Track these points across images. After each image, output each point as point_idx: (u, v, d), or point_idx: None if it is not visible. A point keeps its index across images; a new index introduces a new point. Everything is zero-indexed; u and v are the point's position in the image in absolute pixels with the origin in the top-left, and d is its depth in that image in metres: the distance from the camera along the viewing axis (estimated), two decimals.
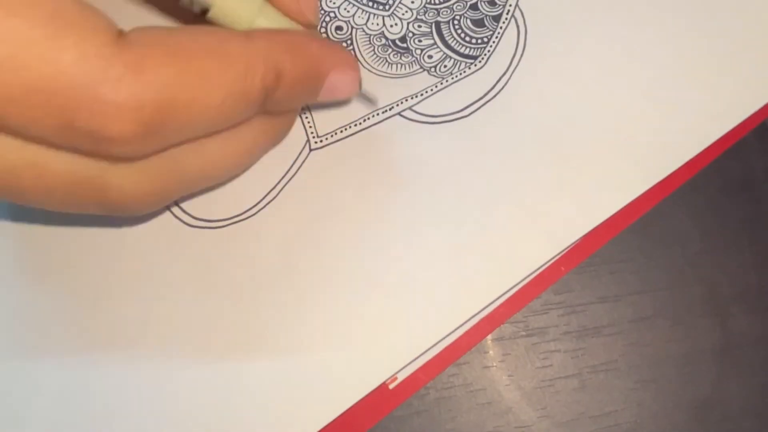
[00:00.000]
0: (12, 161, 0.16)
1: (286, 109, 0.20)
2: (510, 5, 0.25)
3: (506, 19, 0.24)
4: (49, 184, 0.17)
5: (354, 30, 0.25)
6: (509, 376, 0.25)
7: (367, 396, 0.22)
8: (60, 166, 0.17)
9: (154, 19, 0.24)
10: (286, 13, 0.20)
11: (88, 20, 0.15)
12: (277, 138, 0.21)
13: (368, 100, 0.24)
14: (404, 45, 0.24)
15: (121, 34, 0.15)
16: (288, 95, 0.19)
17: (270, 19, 0.19)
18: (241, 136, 0.20)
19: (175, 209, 0.24)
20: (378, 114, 0.24)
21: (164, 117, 0.16)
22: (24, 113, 0.15)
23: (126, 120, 0.15)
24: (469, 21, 0.25)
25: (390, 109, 0.24)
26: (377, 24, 0.25)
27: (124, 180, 0.18)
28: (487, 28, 0.24)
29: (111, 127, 0.15)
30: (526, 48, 0.24)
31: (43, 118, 0.15)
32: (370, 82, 0.24)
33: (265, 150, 0.21)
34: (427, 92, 0.24)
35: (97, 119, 0.15)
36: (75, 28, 0.14)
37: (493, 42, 0.24)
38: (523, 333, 0.25)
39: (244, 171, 0.23)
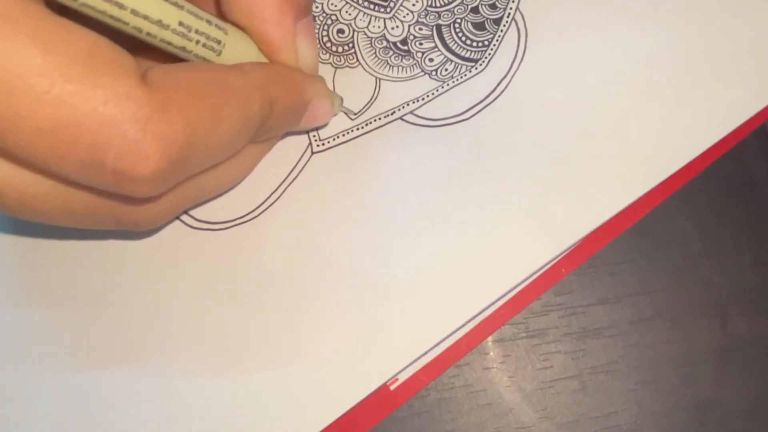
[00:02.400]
0: (39, 189, 0.17)
1: (274, 135, 0.22)
2: (510, 8, 0.25)
3: (507, 22, 0.25)
4: (72, 210, 0.18)
5: (355, 33, 0.25)
6: (510, 377, 0.25)
7: (368, 397, 0.22)
8: (82, 197, 0.17)
9: None
10: (266, 50, 0.21)
11: (120, 61, 0.15)
12: (265, 153, 0.24)
13: (351, 113, 0.24)
14: (405, 48, 0.25)
15: (143, 74, 0.16)
16: (278, 122, 0.20)
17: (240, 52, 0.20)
18: (242, 157, 0.21)
19: None
20: (380, 118, 0.24)
21: (187, 154, 0.16)
22: (52, 147, 0.15)
23: (152, 160, 0.15)
24: (470, 24, 0.25)
25: (392, 114, 0.24)
26: (378, 27, 0.25)
27: (141, 206, 0.19)
28: (488, 31, 0.25)
29: (138, 168, 0.15)
30: (527, 51, 0.24)
31: (70, 154, 0.15)
32: (371, 86, 0.24)
33: (258, 162, 0.24)
34: (428, 96, 0.24)
35: (126, 159, 0.15)
36: (109, 68, 0.15)
37: (494, 45, 0.24)
38: (524, 334, 0.26)
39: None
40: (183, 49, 0.18)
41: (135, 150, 0.15)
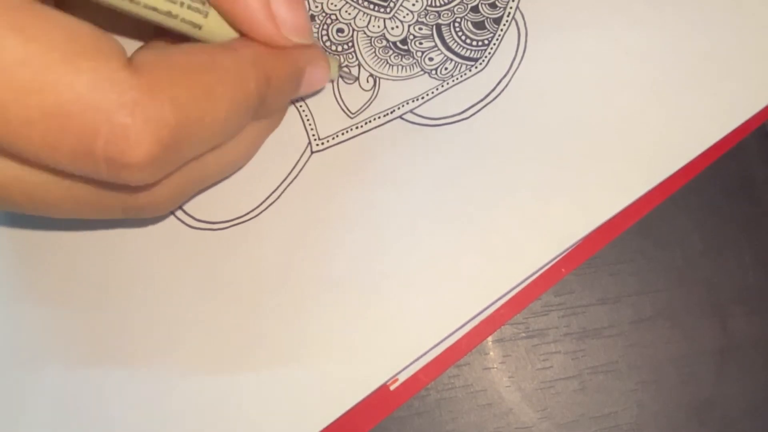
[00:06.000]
0: (41, 179, 0.17)
1: (276, 108, 0.21)
2: (510, 8, 0.25)
3: (507, 21, 0.24)
4: (77, 199, 0.17)
5: (355, 32, 0.25)
6: (510, 377, 0.25)
7: (368, 397, 0.22)
8: (83, 186, 0.17)
9: None
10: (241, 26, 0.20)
11: (102, 45, 0.15)
12: (272, 129, 0.23)
13: (350, 76, 0.24)
14: (405, 47, 0.25)
15: (130, 58, 0.16)
16: (277, 96, 0.20)
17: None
18: (246, 135, 0.21)
19: (177, 211, 0.24)
20: (379, 117, 0.24)
21: (179, 137, 0.16)
22: (42, 138, 0.15)
23: (144, 144, 0.15)
24: (469, 23, 0.25)
25: (391, 112, 0.24)
26: (378, 26, 0.25)
27: (143, 193, 0.18)
28: (488, 30, 0.25)
29: (129, 153, 0.15)
30: (527, 50, 0.24)
31: (61, 143, 0.15)
32: (371, 85, 0.24)
33: (265, 139, 0.23)
34: (428, 95, 0.24)
35: (116, 145, 0.15)
36: (90, 53, 0.15)
37: (494, 44, 0.24)
38: (524, 334, 0.26)
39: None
40: (169, 13, 0.18)
41: (124, 136, 0.15)
